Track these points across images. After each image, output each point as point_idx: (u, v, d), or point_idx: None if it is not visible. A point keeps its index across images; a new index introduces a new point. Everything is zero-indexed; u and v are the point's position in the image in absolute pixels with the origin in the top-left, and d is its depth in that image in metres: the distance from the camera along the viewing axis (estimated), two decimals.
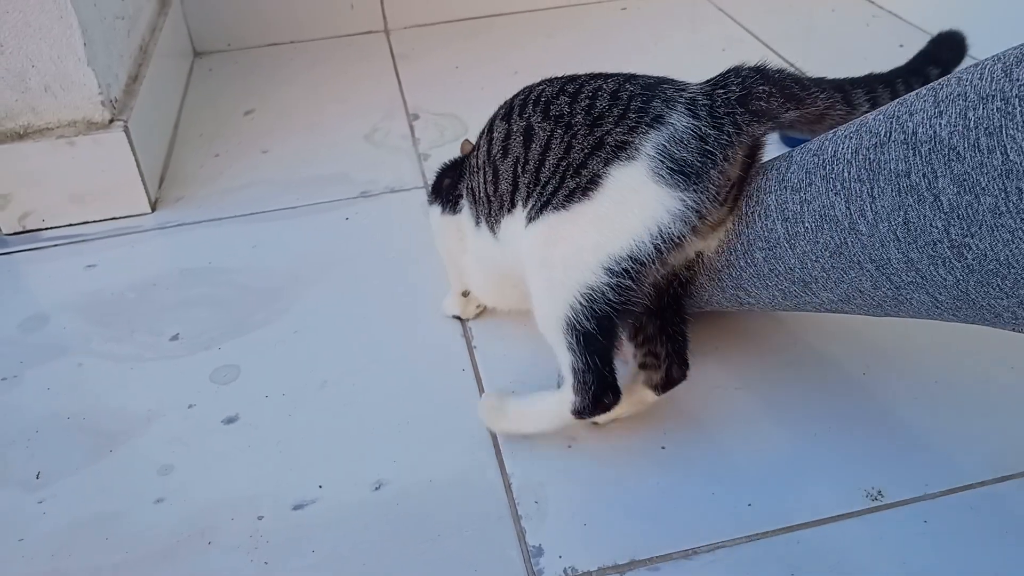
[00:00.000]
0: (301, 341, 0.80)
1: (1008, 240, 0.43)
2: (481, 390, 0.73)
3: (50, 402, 0.75)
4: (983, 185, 0.43)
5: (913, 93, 0.50)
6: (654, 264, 0.54)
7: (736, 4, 1.49)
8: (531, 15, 1.50)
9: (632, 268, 0.54)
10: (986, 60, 0.46)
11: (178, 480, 0.66)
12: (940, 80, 0.49)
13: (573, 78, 0.62)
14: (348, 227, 0.96)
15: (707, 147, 0.53)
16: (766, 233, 0.55)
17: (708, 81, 0.58)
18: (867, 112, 0.53)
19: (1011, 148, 0.42)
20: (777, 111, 0.55)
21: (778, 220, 0.54)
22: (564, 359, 0.59)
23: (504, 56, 1.34)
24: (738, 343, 0.75)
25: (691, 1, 1.53)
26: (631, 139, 0.54)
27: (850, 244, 0.50)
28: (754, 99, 0.54)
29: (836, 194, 0.50)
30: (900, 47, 1.30)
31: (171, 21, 1.28)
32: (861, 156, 0.50)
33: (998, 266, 0.44)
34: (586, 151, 0.56)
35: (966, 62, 0.58)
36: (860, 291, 0.53)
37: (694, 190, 0.53)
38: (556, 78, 0.65)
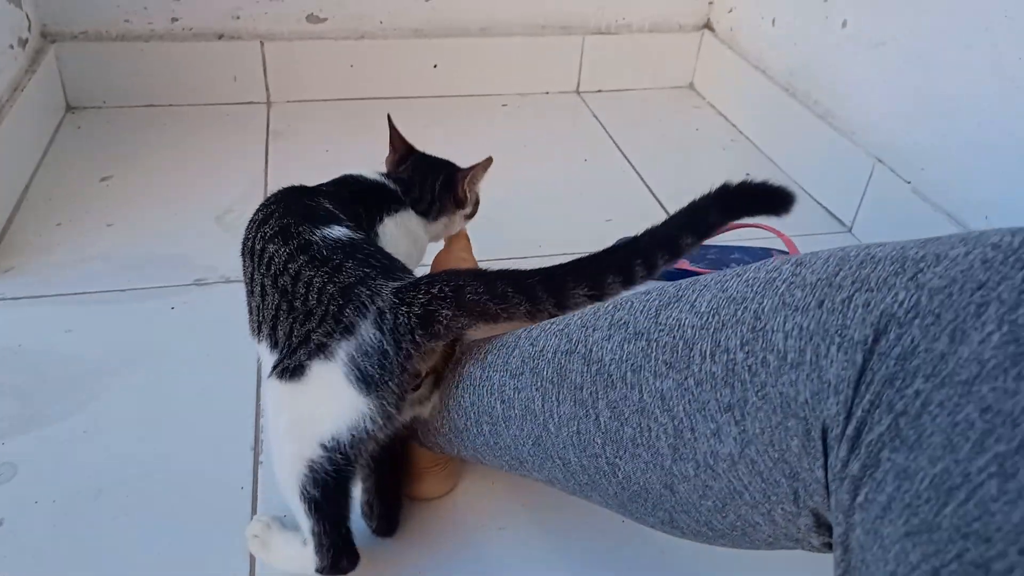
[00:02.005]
0: (88, 442, 0.80)
1: (643, 469, 0.47)
2: (255, 511, 0.74)
3: None
4: (626, 416, 0.47)
5: (598, 307, 0.54)
6: (357, 445, 0.58)
7: (608, 113, 1.56)
8: (415, 101, 1.55)
9: (340, 446, 0.58)
10: (653, 290, 0.51)
11: None
12: (622, 299, 0.53)
13: (299, 248, 0.62)
14: (171, 318, 0.97)
15: (386, 362, 0.56)
16: (490, 409, 0.58)
17: (403, 286, 0.58)
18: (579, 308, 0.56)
19: (645, 389, 0.46)
20: (461, 329, 0.57)
21: (498, 400, 0.58)
22: (303, 523, 0.63)
23: (377, 142, 1.34)
24: (509, 481, 0.79)
25: (572, 106, 1.60)
26: (328, 343, 0.57)
27: (544, 439, 0.54)
28: (435, 322, 0.56)
29: (537, 389, 0.54)
30: (747, 174, 1.39)
31: (41, 76, 1.28)
32: (556, 359, 0.54)
33: (639, 488, 0.49)
34: (299, 339, 0.60)
35: None
36: (558, 480, 0.57)
37: (376, 396, 0.56)
38: (286, 215, 0.67)
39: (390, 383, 0.56)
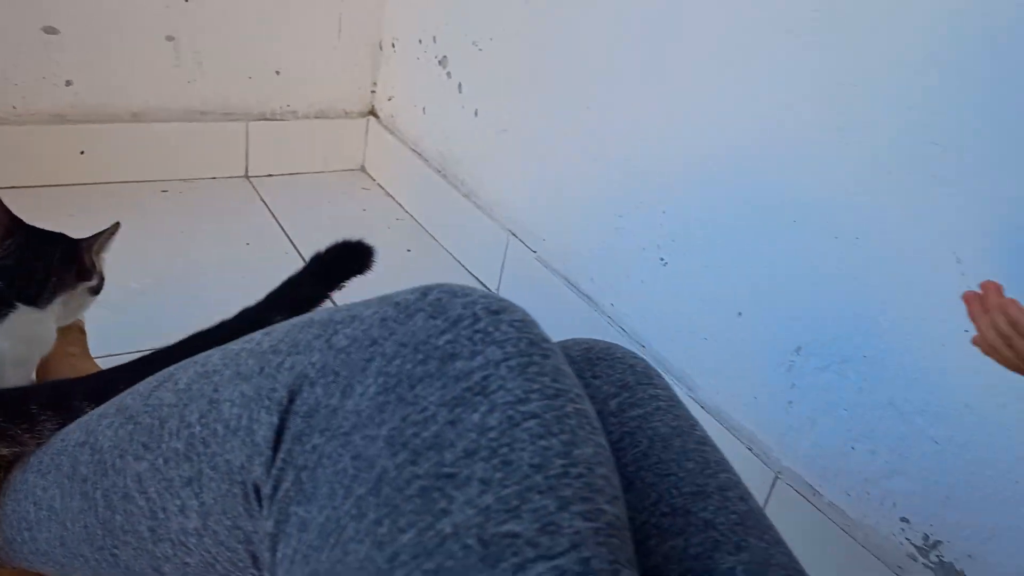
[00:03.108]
0: None
1: (135, 556, 0.47)
2: None
3: None
4: (115, 504, 0.47)
5: (110, 407, 0.53)
6: None
7: (278, 197, 1.57)
8: (60, 190, 1.45)
9: None
10: (164, 371, 0.51)
11: None
12: (144, 381, 0.52)
13: None
14: None
15: None
16: (26, 513, 0.55)
17: None
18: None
19: (128, 473, 0.47)
20: None
21: (31, 503, 0.54)
22: None
23: None
24: None
25: (239, 191, 1.59)
26: None
27: (67, 538, 0.52)
28: None
29: (58, 487, 0.52)
30: (408, 250, 1.47)
31: None
32: (73, 452, 0.52)
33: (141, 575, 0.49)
34: None
35: None
36: None
37: None
38: None
39: None
